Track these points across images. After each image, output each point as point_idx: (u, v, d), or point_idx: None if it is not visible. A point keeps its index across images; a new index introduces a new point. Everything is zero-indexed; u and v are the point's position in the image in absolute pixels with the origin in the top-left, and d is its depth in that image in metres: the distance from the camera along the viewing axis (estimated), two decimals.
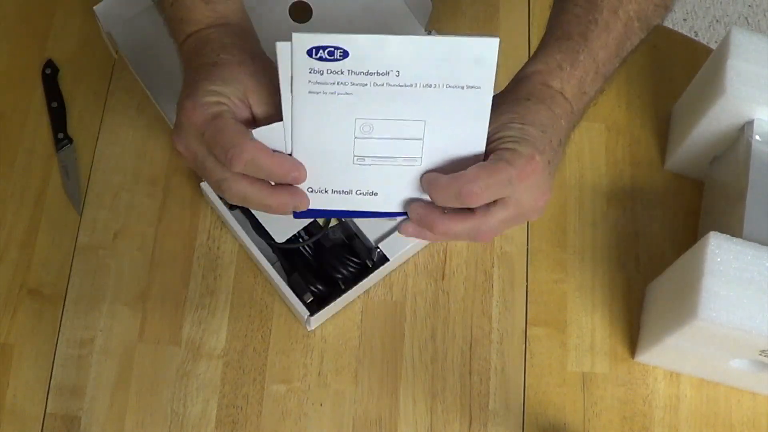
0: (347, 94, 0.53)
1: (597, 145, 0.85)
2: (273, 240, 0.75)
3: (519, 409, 0.76)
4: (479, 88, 0.53)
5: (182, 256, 0.79)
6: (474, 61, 0.52)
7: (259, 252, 0.75)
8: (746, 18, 1.72)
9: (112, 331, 0.77)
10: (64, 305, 0.77)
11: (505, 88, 0.61)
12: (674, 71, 0.88)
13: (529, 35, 0.89)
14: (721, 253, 0.65)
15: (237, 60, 0.57)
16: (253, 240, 0.76)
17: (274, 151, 0.55)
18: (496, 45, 0.52)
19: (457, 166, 0.56)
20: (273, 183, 0.57)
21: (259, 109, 0.57)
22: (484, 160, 0.56)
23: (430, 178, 0.56)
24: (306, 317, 0.73)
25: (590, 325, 0.79)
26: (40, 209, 0.81)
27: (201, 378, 0.76)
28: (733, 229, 0.71)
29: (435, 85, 0.53)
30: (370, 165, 0.57)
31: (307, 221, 0.75)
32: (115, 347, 0.76)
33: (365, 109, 0.54)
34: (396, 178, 0.57)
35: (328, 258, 0.76)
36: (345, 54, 0.51)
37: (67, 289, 0.78)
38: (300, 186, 0.57)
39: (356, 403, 0.76)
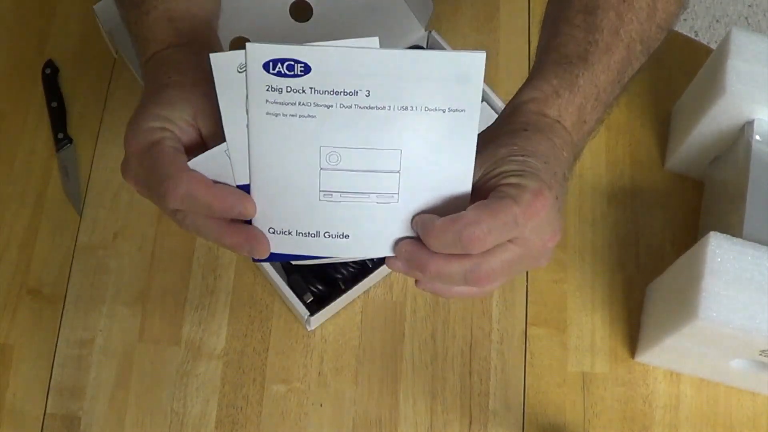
0: (310, 116, 0.46)
1: (597, 145, 0.85)
2: None
3: (519, 409, 0.76)
4: (463, 111, 0.46)
5: (182, 256, 0.79)
6: (457, 80, 0.45)
7: None
8: (746, 18, 1.72)
9: (112, 331, 0.77)
10: (64, 305, 0.78)
11: (498, 118, 0.55)
12: (674, 71, 0.88)
13: (529, 35, 0.89)
14: (721, 253, 0.65)
15: (190, 80, 0.52)
16: None
17: (217, 181, 0.48)
18: (482, 61, 0.45)
19: (441, 203, 0.49)
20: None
21: (208, 132, 0.51)
22: (479, 198, 0.49)
23: (422, 220, 0.48)
24: (306, 317, 0.73)
25: (590, 325, 0.79)
26: (40, 209, 0.81)
27: (201, 378, 0.76)
28: (733, 229, 0.71)
29: (412, 107, 0.46)
30: (339, 201, 0.49)
31: None
32: (115, 347, 0.76)
33: (331, 135, 0.47)
34: (370, 218, 0.49)
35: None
36: (306, 69, 0.45)
37: (67, 289, 0.78)
38: (257, 224, 0.50)
39: (356, 403, 0.76)
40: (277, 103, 0.46)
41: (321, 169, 0.48)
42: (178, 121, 0.51)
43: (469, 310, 0.79)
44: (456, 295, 0.50)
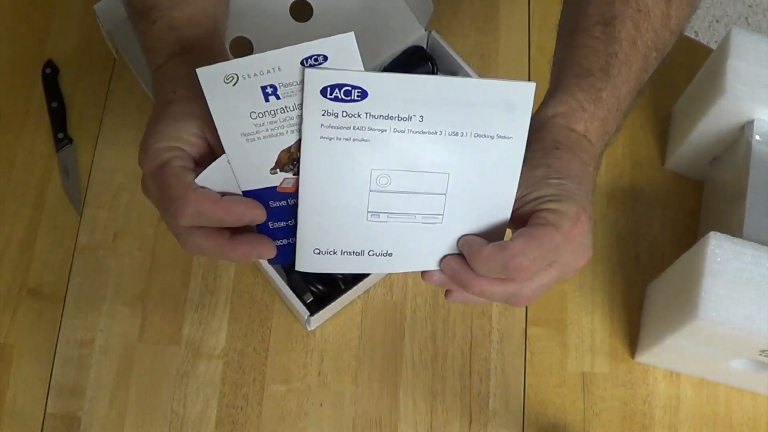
0: (364, 140, 0.47)
1: None
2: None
3: (519, 409, 0.76)
4: (511, 138, 0.48)
5: (182, 256, 0.79)
6: (506, 108, 0.47)
7: None
8: (746, 18, 1.72)
9: (112, 331, 0.77)
10: (64, 305, 0.78)
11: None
12: (674, 71, 0.88)
13: (529, 35, 0.89)
14: (721, 253, 0.65)
15: (194, 93, 0.51)
16: None
17: (225, 193, 0.50)
18: (532, 90, 0.46)
19: (483, 225, 0.51)
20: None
21: (217, 142, 0.51)
22: (516, 220, 0.51)
23: (469, 243, 0.50)
24: (306, 317, 0.73)
25: (590, 325, 0.79)
26: (40, 209, 0.81)
27: (201, 378, 0.76)
28: (733, 229, 0.71)
29: (462, 133, 0.47)
30: (385, 222, 0.50)
31: None
32: (115, 347, 0.76)
33: (383, 158, 0.48)
34: (414, 237, 0.51)
35: None
36: (364, 94, 0.46)
37: (67, 289, 0.78)
38: (306, 245, 0.51)
39: (356, 403, 0.76)
40: (332, 127, 0.47)
41: (371, 191, 0.49)
42: (186, 135, 0.51)
43: (469, 310, 0.79)
44: (482, 303, 0.53)
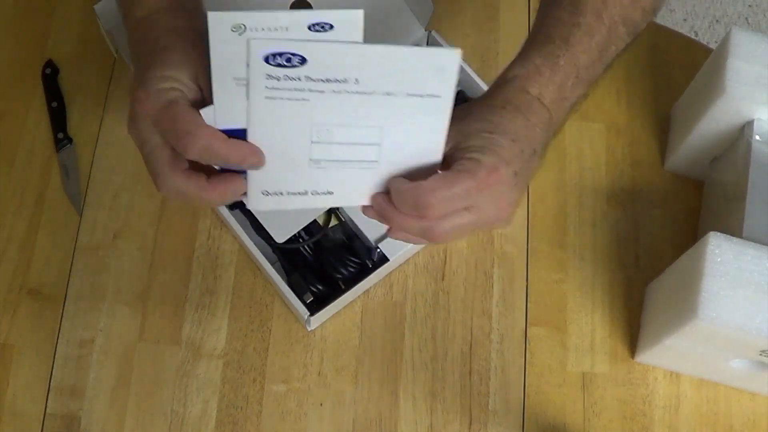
0: (304, 100, 0.52)
1: (597, 145, 0.85)
2: (273, 240, 0.75)
3: (519, 409, 0.76)
4: (439, 96, 0.53)
5: (182, 256, 0.79)
6: (435, 71, 0.52)
7: (259, 252, 0.75)
8: (746, 18, 1.72)
9: (112, 331, 0.77)
10: (64, 305, 0.78)
11: (485, 93, 0.60)
12: (674, 71, 0.88)
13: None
14: (721, 253, 0.65)
15: (189, 42, 0.56)
16: (253, 240, 0.76)
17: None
18: (458, 57, 0.52)
19: (415, 171, 0.56)
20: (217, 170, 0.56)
21: (209, 90, 0.55)
22: (445, 168, 0.55)
23: (393, 182, 0.55)
24: (306, 317, 0.73)
25: (590, 325, 0.79)
26: (40, 209, 0.81)
27: (201, 378, 0.76)
28: (733, 229, 0.71)
29: (395, 93, 0.53)
30: (325, 168, 0.56)
31: (308, 221, 0.75)
32: (115, 347, 0.76)
33: (322, 114, 0.53)
34: (351, 179, 0.56)
35: (328, 258, 0.76)
36: (303, 60, 0.51)
37: (67, 289, 0.78)
38: (251, 187, 0.55)
39: (356, 403, 0.76)
40: (275, 89, 0.51)
41: (312, 142, 0.54)
42: (184, 80, 0.54)
43: (469, 310, 0.79)
44: (418, 242, 0.59)
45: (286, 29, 0.52)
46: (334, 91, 0.52)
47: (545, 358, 0.78)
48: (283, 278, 0.74)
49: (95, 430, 0.74)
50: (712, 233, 0.66)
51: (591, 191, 0.84)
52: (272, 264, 0.75)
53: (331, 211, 0.78)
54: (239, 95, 0.53)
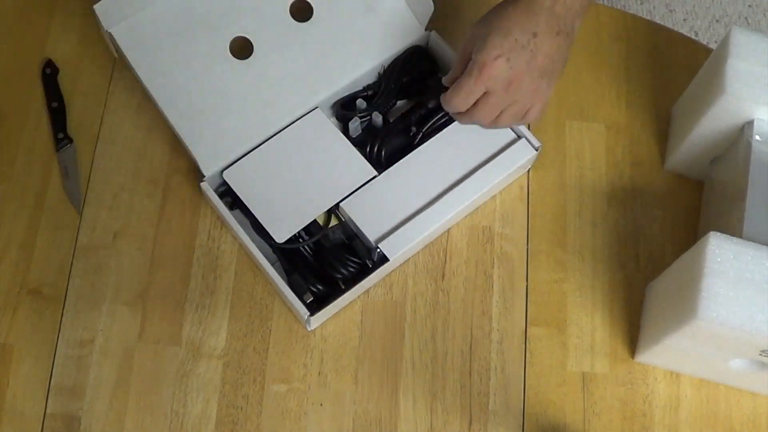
0: None
1: (597, 145, 0.85)
2: (273, 240, 0.75)
3: (519, 409, 0.76)
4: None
5: (182, 256, 0.79)
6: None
7: (259, 252, 0.75)
8: (746, 18, 1.72)
9: (112, 331, 0.77)
10: (64, 305, 0.78)
11: None
12: (674, 71, 0.88)
13: None
14: (721, 253, 0.65)
15: None
16: (253, 240, 0.76)
17: None
18: None
19: None
20: None
21: None
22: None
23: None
24: (306, 317, 0.73)
25: (590, 325, 0.79)
26: (40, 209, 0.81)
27: (201, 378, 0.76)
28: (733, 229, 0.71)
29: None
30: None
31: (308, 221, 0.75)
32: (115, 347, 0.76)
33: None
34: None
35: (328, 258, 0.76)
36: None
37: (67, 289, 0.78)
38: None
39: (356, 403, 0.76)
40: None
41: None
42: None
43: (469, 310, 0.79)
44: (488, 126, 0.76)
45: None
46: None
47: (545, 358, 0.78)
48: (283, 278, 0.74)
49: (95, 430, 0.74)
50: (712, 233, 0.66)
51: (591, 191, 0.84)
52: (272, 264, 0.75)
53: (331, 211, 0.78)
54: None
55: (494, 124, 0.74)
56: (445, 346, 0.77)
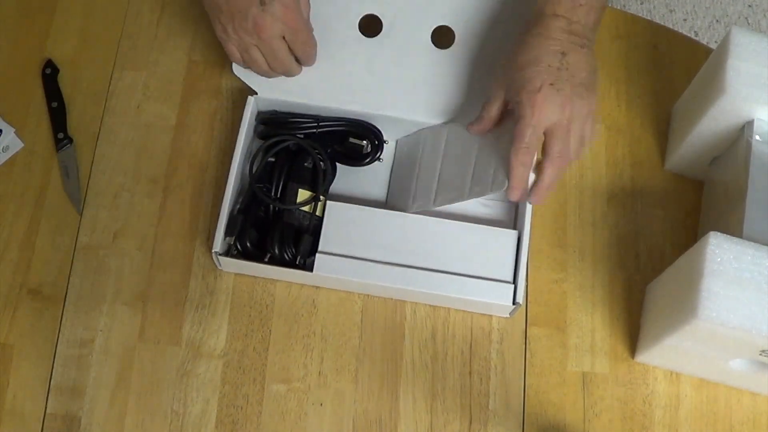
0: None
1: (597, 145, 0.85)
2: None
3: (519, 409, 0.76)
4: None
5: (182, 256, 0.79)
6: None
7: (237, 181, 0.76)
8: (746, 18, 1.72)
9: (112, 331, 0.77)
10: (64, 305, 0.78)
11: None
12: (674, 71, 0.88)
13: None
14: (721, 253, 0.65)
15: None
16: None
17: None
18: None
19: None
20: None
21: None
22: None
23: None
24: (214, 251, 0.74)
25: (590, 325, 0.79)
26: (40, 209, 0.81)
27: (201, 378, 0.76)
28: (733, 229, 0.71)
29: None
30: None
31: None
32: (115, 347, 0.76)
33: None
34: None
35: (276, 230, 0.75)
36: None
37: (67, 289, 0.78)
38: None
39: (356, 403, 0.76)
40: None
41: None
42: None
43: (469, 311, 0.79)
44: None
45: None
46: None
47: (545, 358, 0.78)
48: (229, 208, 0.75)
49: (95, 430, 0.74)
50: (712, 233, 0.66)
51: (591, 191, 0.83)
52: (239, 193, 0.76)
53: (317, 199, 0.76)
54: None
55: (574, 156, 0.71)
56: (445, 346, 0.77)
